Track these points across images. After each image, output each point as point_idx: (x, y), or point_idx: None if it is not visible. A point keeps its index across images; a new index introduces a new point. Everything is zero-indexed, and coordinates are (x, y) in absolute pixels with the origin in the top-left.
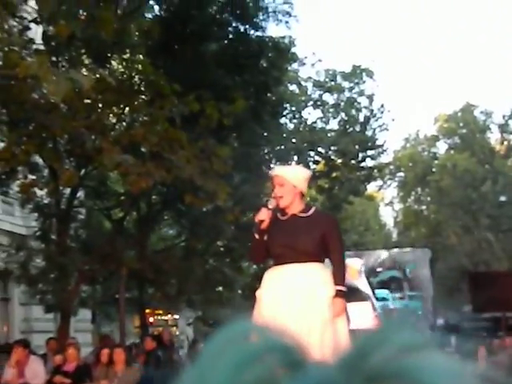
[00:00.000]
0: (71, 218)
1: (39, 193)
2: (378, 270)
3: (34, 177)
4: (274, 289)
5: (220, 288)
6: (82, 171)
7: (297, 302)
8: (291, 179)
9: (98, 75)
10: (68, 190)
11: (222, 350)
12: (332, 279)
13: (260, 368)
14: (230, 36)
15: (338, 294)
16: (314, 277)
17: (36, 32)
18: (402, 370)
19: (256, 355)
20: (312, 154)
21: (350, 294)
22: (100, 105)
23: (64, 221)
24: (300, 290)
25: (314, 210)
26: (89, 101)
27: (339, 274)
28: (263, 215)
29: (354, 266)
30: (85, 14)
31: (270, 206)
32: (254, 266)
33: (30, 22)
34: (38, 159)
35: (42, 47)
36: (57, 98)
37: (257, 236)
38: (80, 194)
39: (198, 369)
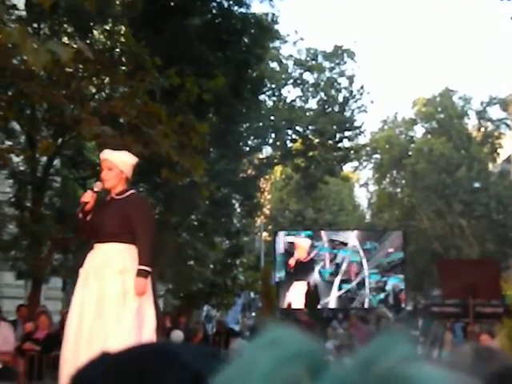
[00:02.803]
0: (46, 186)
1: (15, 159)
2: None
3: (10, 143)
4: (84, 267)
5: (191, 262)
6: (60, 140)
7: (91, 282)
8: (119, 164)
9: (76, 46)
10: (44, 158)
11: (256, 356)
12: (132, 257)
13: (291, 370)
14: (214, 11)
15: (140, 273)
16: (111, 256)
17: None
18: (405, 376)
19: (287, 359)
20: (290, 132)
21: (297, 273)
22: (80, 75)
23: (39, 189)
24: (95, 269)
25: (130, 193)
26: (70, 70)
27: (143, 254)
28: (88, 197)
29: (303, 245)
30: None
31: (95, 189)
32: (227, 242)
33: None
34: (16, 126)
35: (24, 13)
36: (37, 68)
37: (80, 215)
38: (56, 162)
39: (235, 370)
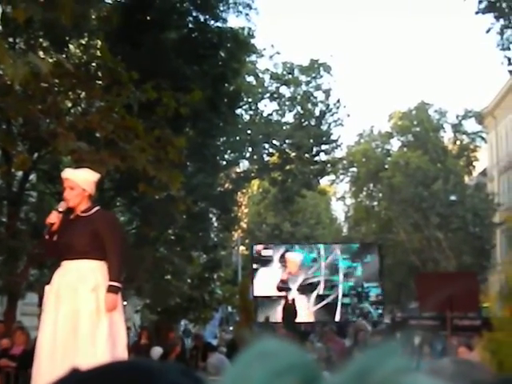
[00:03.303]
0: (22, 201)
1: None
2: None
3: None
4: (53, 285)
5: (169, 277)
6: (35, 155)
7: (63, 299)
8: (81, 183)
9: (55, 59)
10: (20, 173)
11: (250, 368)
12: (102, 274)
13: (285, 382)
14: (190, 25)
15: (111, 289)
16: (80, 273)
17: None
18: None
19: (280, 371)
20: (267, 146)
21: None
22: (56, 89)
23: (15, 203)
24: (67, 286)
25: (96, 210)
26: (45, 85)
27: (113, 270)
28: (53, 218)
29: (295, 259)
30: None
31: (60, 209)
32: (204, 256)
33: None
34: None
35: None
36: (15, 82)
37: (47, 237)
38: (32, 177)
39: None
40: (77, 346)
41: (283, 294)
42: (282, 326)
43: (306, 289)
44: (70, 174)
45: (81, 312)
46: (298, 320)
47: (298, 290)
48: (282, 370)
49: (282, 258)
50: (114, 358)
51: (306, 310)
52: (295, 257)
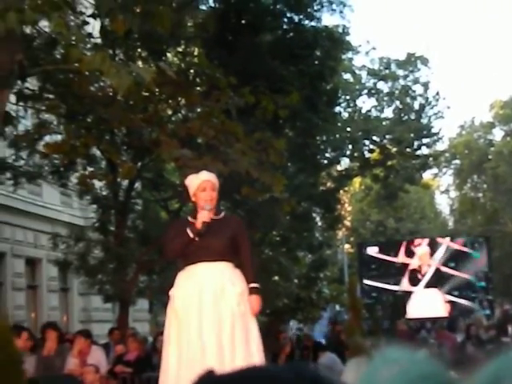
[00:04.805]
0: (129, 210)
1: (97, 184)
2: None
3: (92, 169)
4: (186, 286)
5: (276, 278)
6: (140, 163)
7: (207, 297)
8: (217, 187)
9: (156, 68)
10: (126, 182)
11: (382, 379)
12: (243, 278)
13: None
14: (285, 27)
15: (254, 290)
16: (225, 274)
17: (94, 27)
18: None
19: (416, 381)
20: (367, 142)
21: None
22: (157, 97)
23: (122, 212)
24: (210, 286)
25: (225, 214)
26: (147, 94)
27: (251, 273)
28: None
29: (424, 251)
30: (141, 8)
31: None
32: (310, 256)
33: (88, 16)
34: (96, 151)
35: (99, 41)
36: (120, 92)
37: (191, 235)
38: (137, 185)
39: None
40: (230, 348)
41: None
42: (403, 321)
43: (429, 282)
44: (211, 176)
45: (230, 314)
46: (408, 316)
47: (423, 284)
48: (416, 379)
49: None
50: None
51: (424, 304)
52: (423, 249)
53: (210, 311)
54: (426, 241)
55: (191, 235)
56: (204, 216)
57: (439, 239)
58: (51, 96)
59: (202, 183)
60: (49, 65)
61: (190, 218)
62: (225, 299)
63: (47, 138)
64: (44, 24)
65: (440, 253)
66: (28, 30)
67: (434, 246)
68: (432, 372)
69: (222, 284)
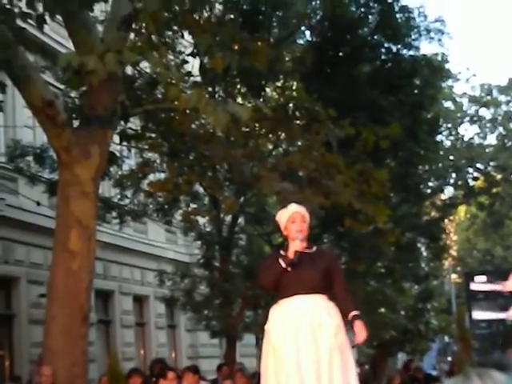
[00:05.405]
0: (233, 245)
1: (201, 221)
2: None
3: (195, 205)
4: (282, 320)
5: (382, 310)
6: (242, 198)
7: (304, 330)
8: (308, 219)
9: (253, 105)
10: (229, 217)
11: None
12: (337, 310)
13: None
14: (383, 57)
15: (356, 317)
16: (320, 307)
17: (193, 65)
18: None
19: None
20: (471, 170)
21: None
22: (256, 133)
23: (226, 247)
24: (307, 319)
25: (317, 247)
26: (246, 129)
27: (351, 301)
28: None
29: None
30: (239, 45)
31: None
32: (416, 287)
33: (188, 55)
34: (199, 188)
35: (198, 79)
36: (218, 129)
37: (284, 266)
38: (240, 220)
39: None
40: (328, 381)
41: None
42: None
43: None
44: (300, 208)
45: (328, 346)
46: None
47: None
48: None
49: None
50: None
51: None
52: None
53: (308, 344)
54: None
55: (283, 265)
56: (296, 245)
57: None
58: (153, 135)
59: (291, 215)
60: (150, 104)
61: (282, 252)
62: (322, 331)
63: (151, 177)
64: (145, 65)
65: None
66: (129, 71)
67: None
68: None
69: (319, 316)
